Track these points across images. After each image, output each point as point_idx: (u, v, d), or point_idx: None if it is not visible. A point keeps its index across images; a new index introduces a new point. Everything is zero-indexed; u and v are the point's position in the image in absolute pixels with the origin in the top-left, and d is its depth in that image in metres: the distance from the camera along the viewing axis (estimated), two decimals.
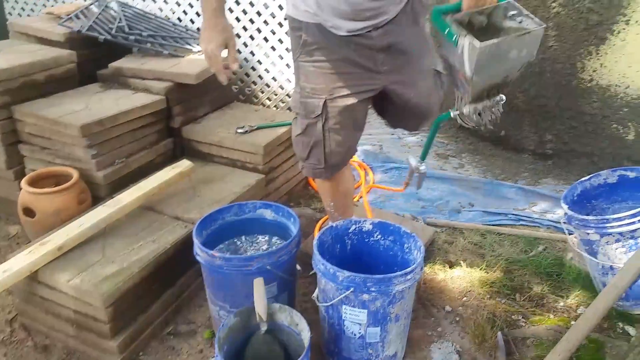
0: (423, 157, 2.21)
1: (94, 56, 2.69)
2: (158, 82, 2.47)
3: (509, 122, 3.04)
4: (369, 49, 1.60)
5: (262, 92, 3.06)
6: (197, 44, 2.92)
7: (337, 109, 1.65)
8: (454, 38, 1.41)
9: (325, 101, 1.63)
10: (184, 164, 2.16)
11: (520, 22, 1.47)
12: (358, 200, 2.61)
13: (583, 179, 2.04)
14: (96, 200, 2.12)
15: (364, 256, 1.80)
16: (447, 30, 1.44)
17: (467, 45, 1.39)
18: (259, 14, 2.86)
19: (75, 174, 2.08)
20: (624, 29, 2.48)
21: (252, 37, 2.95)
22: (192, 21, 3.05)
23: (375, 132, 3.39)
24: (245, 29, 2.94)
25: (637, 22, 2.44)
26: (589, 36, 2.58)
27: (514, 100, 2.95)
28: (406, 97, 1.74)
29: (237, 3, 2.90)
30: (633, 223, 1.72)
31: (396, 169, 2.94)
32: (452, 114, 1.70)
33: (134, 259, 1.74)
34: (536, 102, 2.87)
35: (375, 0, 1.51)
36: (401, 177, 2.89)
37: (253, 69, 3.02)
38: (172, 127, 2.52)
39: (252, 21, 2.91)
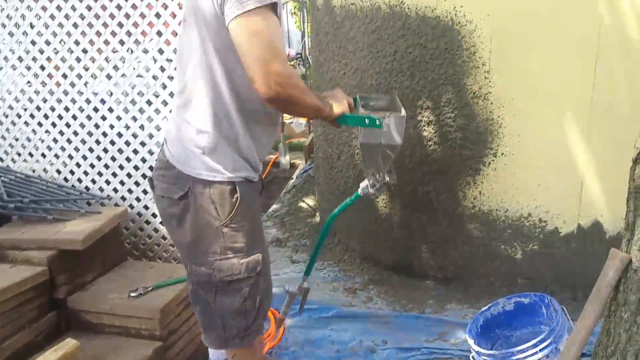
0: (308, 272, 2.27)
1: None
2: (40, 252, 2.29)
3: (408, 250, 3.13)
4: (259, 193, 1.77)
5: (158, 245, 2.94)
6: (86, 204, 2.81)
7: (267, 259, 1.71)
8: (377, 122, 1.71)
9: (262, 254, 1.65)
10: (68, 344, 1.94)
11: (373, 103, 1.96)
12: (272, 350, 2.49)
13: (483, 309, 2.10)
14: None
15: None
16: (367, 120, 1.72)
17: (393, 120, 1.74)
18: (151, 168, 2.84)
19: None
20: (493, 160, 2.75)
21: (145, 192, 2.89)
22: (79, 180, 2.95)
23: (282, 271, 3.34)
24: (137, 183, 2.89)
25: (502, 154, 2.72)
26: (465, 168, 2.81)
27: (408, 229, 3.08)
28: None
29: (128, 160, 2.87)
30: (535, 353, 1.76)
31: (305, 312, 2.85)
32: (362, 192, 1.98)
33: None
34: (429, 230, 3.01)
35: None
36: (310, 319, 2.81)
37: (147, 222, 2.93)
38: (56, 298, 2.30)
39: (144, 176, 2.87)
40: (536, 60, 2.58)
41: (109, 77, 2.79)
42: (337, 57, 3.26)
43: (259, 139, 1.64)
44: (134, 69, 2.73)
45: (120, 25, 2.68)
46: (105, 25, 2.70)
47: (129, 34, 2.69)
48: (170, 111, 2.55)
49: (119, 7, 2.66)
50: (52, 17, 2.76)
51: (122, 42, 2.72)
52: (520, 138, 2.67)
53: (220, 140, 1.56)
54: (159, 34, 2.66)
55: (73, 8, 2.72)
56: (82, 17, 2.72)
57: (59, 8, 2.74)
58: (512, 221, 2.80)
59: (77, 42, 2.76)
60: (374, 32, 2.91)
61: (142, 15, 2.64)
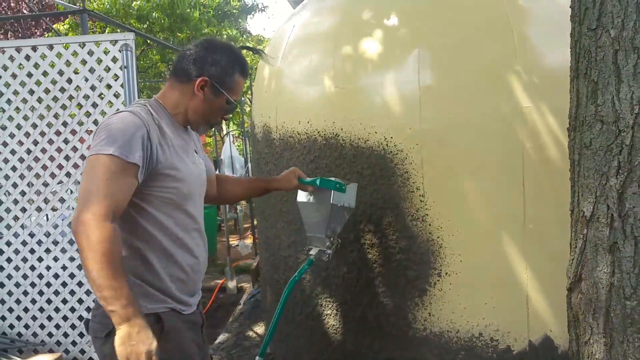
0: (262, 354, 2.27)
1: None
2: None
3: None
4: (199, 327, 1.76)
5: None
6: (17, 352, 2.60)
7: None
8: (342, 186, 2.34)
9: None
10: None
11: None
12: None
13: None
14: None
15: None
16: (336, 184, 2.33)
17: (352, 186, 2.42)
18: (88, 309, 2.69)
19: None
20: (438, 280, 2.78)
21: (81, 334, 2.72)
22: (11, 326, 2.75)
23: None
24: (74, 326, 2.72)
25: (446, 273, 2.76)
26: (412, 289, 2.83)
27: (361, 357, 2.99)
28: None
29: (65, 301, 2.72)
30: None
31: None
32: (316, 257, 2.43)
33: None
34: (382, 356, 2.93)
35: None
36: None
37: None
38: None
39: (81, 318, 2.71)
40: (466, 182, 2.73)
41: (47, 218, 2.73)
42: None
43: (170, 261, 1.63)
44: (73, 208, 2.69)
45: (60, 167, 2.69)
46: (45, 167, 2.70)
47: (68, 174, 2.69)
48: None
49: (59, 150, 2.68)
50: None
51: (60, 182, 2.72)
52: (462, 257, 2.74)
53: (129, 276, 1.56)
54: None
55: (12, 152, 2.72)
56: (21, 160, 2.72)
57: None
58: (464, 342, 2.77)
59: (15, 185, 2.73)
60: (312, 162, 3.04)
61: (82, 157, 2.67)
